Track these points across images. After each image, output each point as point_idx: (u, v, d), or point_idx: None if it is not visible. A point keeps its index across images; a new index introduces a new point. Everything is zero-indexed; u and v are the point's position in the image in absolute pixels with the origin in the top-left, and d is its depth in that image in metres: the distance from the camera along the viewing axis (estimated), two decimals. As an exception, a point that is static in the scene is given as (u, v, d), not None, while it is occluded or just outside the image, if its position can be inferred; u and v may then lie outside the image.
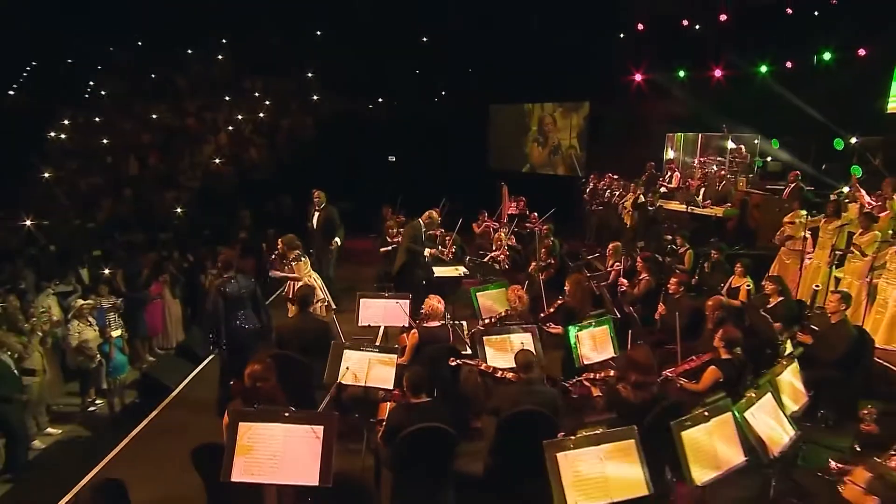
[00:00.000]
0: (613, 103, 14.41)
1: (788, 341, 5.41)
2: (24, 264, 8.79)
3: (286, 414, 3.17)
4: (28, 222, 11.16)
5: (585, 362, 5.21)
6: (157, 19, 16.68)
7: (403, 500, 3.92)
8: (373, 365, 4.73)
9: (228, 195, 14.47)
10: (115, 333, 7.22)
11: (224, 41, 19.04)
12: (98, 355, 7.06)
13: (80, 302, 7.15)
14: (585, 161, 15.90)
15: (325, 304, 6.76)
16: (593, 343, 5.36)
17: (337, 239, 8.16)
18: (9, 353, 6.12)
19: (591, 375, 4.83)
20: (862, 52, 10.09)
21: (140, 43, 18.65)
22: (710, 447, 3.59)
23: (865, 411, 4.63)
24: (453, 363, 4.74)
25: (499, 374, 4.59)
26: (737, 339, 4.97)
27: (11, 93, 17.67)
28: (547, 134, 17.75)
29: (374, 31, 16.64)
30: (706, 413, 3.67)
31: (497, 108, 19.00)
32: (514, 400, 4.15)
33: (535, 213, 10.86)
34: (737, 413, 3.79)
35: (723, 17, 11.74)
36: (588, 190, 12.08)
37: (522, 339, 5.07)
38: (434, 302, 5.22)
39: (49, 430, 6.84)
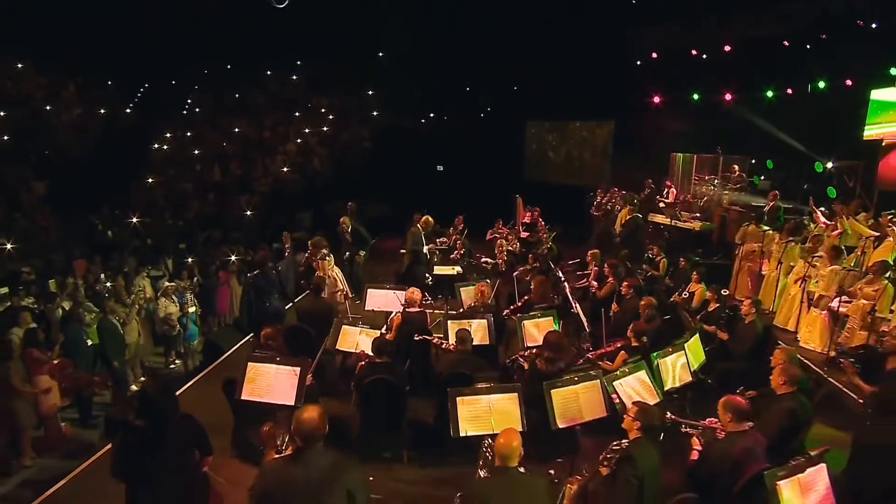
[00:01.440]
0: (633, 123, 15.25)
1: (697, 335, 6.39)
2: (128, 253, 10.93)
3: (277, 359, 4.67)
4: (134, 219, 13.47)
5: (528, 344, 6.45)
6: (242, 45, 18.73)
7: (366, 433, 5.33)
8: (362, 335, 6.24)
9: (294, 199, 16.34)
10: (191, 310, 9.10)
11: (298, 63, 21.09)
12: (178, 326, 8.95)
13: (166, 284, 9.07)
14: (607, 174, 16.74)
15: (344, 293, 8.23)
16: (537, 330, 6.58)
17: (362, 252, 9.70)
18: (117, 318, 8.08)
19: (524, 353, 6.06)
20: (849, 82, 10.55)
21: (228, 66, 20.98)
22: (575, 403, 4.79)
23: (738, 392, 5.63)
24: (417, 338, 6.11)
25: (443, 346, 5.93)
26: (643, 331, 6.08)
27: (128, 111, 20.24)
28: (572, 148, 18.69)
29: (427, 56, 18.14)
30: (575, 378, 4.88)
31: (533, 124, 20.06)
32: (450, 365, 5.49)
33: (542, 222, 11.99)
34: (605, 381, 4.97)
35: (727, 48, 12.41)
36: (595, 202, 13.07)
37: (476, 324, 6.37)
38: (409, 292, 6.62)
39: (142, 379, 8.80)
